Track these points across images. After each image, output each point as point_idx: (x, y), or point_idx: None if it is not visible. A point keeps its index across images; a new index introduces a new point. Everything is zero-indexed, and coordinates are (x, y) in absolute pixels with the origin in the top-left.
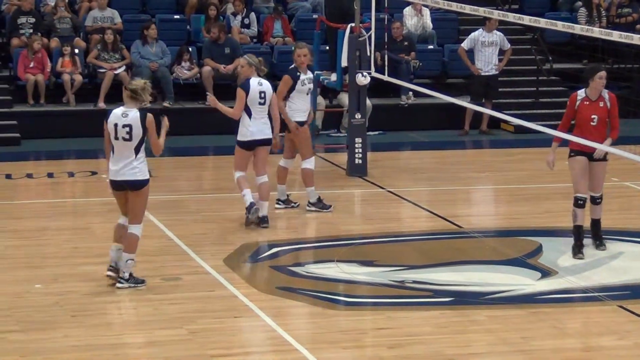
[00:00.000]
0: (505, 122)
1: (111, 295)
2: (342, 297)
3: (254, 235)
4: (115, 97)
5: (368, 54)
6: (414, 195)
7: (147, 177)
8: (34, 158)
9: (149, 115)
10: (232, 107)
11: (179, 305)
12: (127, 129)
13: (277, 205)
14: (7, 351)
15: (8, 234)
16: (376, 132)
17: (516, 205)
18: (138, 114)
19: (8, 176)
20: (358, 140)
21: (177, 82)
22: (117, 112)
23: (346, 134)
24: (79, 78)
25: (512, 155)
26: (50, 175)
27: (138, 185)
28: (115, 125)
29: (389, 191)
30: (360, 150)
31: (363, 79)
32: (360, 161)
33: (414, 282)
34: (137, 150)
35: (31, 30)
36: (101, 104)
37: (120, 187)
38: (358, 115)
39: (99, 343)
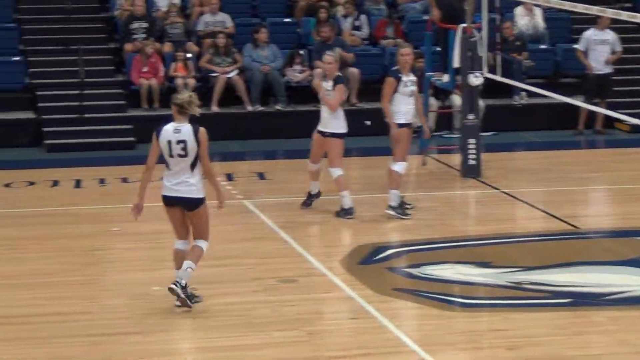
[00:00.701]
0: (620, 121)
1: (229, 297)
2: (459, 298)
3: (370, 237)
4: (227, 100)
5: (480, 54)
6: (529, 196)
7: (203, 195)
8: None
9: (202, 129)
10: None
11: (296, 307)
12: (182, 144)
13: (388, 212)
14: (126, 353)
15: (126, 237)
16: (489, 133)
17: (632, 205)
18: (191, 128)
19: (124, 180)
20: (472, 141)
21: (289, 85)
22: (169, 128)
23: (459, 135)
24: (191, 82)
25: (628, 155)
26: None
27: (193, 204)
28: (169, 142)
29: (503, 192)
30: (474, 151)
31: (475, 80)
32: (474, 162)
33: (531, 283)
34: (193, 166)
35: (144, 36)
36: (214, 108)
37: (173, 203)
38: (471, 116)
39: (217, 345)
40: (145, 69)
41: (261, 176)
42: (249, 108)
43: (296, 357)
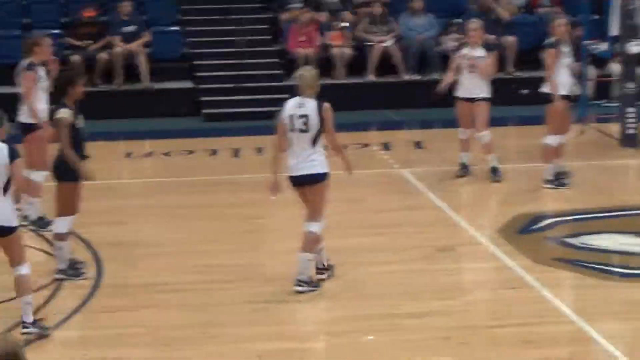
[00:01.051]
0: None
1: (387, 266)
2: (618, 268)
3: (528, 206)
4: (383, 69)
5: (639, 22)
6: None
7: (326, 170)
8: None
9: (326, 105)
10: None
11: (454, 276)
12: (304, 119)
13: (545, 186)
14: (285, 320)
15: (283, 205)
16: None
17: None
18: (315, 103)
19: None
20: (630, 110)
21: (445, 54)
22: (293, 102)
23: (617, 104)
24: (348, 51)
25: None
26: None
27: (316, 180)
28: (291, 116)
29: None
30: (633, 120)
31: (634, 48)
32: (632, 131)
33: None
34: (314, 142)
35: (300, 5)
36: (370, 77)
37: (300, 183)
38: (630, 85)
39: (375, 313)
40: (301, 38)
41: (418, 145)
42: (405, 77)
43: (454, 326)
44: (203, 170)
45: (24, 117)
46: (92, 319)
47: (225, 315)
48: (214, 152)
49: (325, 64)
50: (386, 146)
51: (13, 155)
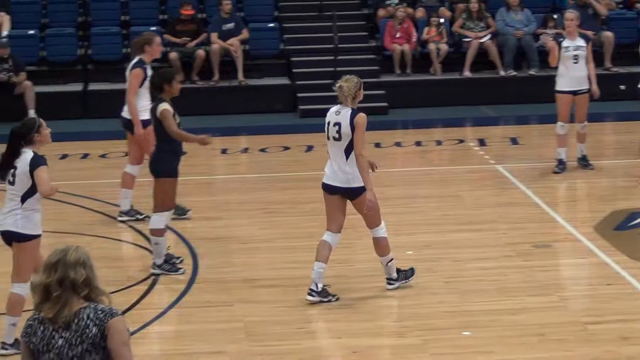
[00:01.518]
0: None
1: (483, 262)
2: None
3: (625, 203)
4: (480, 65)
5: None
6: None
7: (361, 184)
8: (402, 127)
9: (360, 115)
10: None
11: (550, 272)
12: (337, 127)
13: None
14: (381, 316)
15: (379, 201)
16: None
17: None
18: (350, 111)
19: (377, 144)
20: None
21: (542, 49)
22: (333, 109)
23: None
24: (444, 47)
25: None
26: (418, 143)
27: (352, 194)
28: (328, 123)
29: None
30: None
31: None
32: None
33: None
34: (347, 153)
35: (397, 1)
36: (467, 73)
37: (332, 191)
38: None
39: (473, 309)
40: (398, 35)
41: (514, 141)
42: (502, 73)
43: (551, 322)
44: (298, 166)
45: (126, 113)
46: (187, 313)
47: (320, 311)
48: (309, 148)
49: (421, 60)
50: (482, 142)
51: (34, 164)
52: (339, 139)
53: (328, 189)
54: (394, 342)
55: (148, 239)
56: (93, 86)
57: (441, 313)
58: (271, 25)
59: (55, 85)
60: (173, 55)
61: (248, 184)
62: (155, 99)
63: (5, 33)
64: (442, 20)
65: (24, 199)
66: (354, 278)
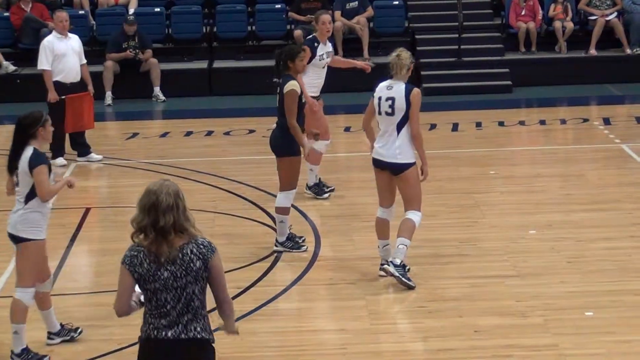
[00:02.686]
0: None
1: (607, 242)
2: None
3: None
4: (606, 43)
5: None
6: None
7: (410, 160)
8: (526, 105)
9: (416, 90)
10: None
11: None
12: (390, 102)
13: None
14: (503, 295)
15: (502, 180)
16: None
17: None
18: (404, 86)
19: (501, 123)
20: None
21: None
22: (383, 84)
23: None
24: (570, 25)
25: None
26: (542, 122)
27: (399, 169)
28: (380, 98)
29: None
30: None
31: None
32: None
33: None
34: (399, 128)
35: None
36: (592, 51)
37: (381, 166)
38: None
39: (595, 289)
40: (523, 12)
41: (639, 120)
42: (628, 51)
43: None
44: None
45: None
46: (309, 291)
47: (443, 289)
48: (432, 127)
49: (546, 38)
50: (606, 121)
51: (34, 162)
52: (391, 113)
53: (378, 164)
54: (517, 322)
55: (272, 218)
56: (218, 64)
57: (564, 293)
58: (396, 2)
59: (181, 63)
60: (297, 33)
61: (371, 162)
62: (282, 75)
63: (132, 10)
64: None
65: (27, 199)
66: (478, 257)
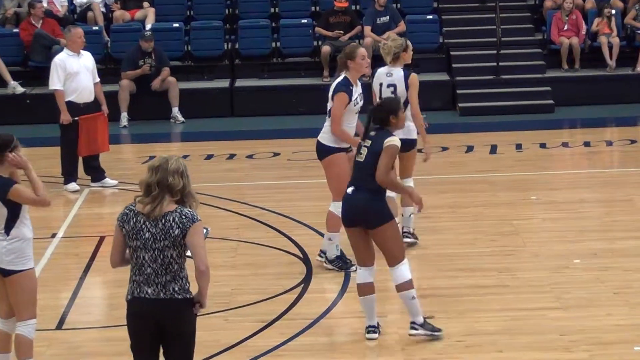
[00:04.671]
0: None
1: None
2: None
3: None
4: None
5: None
6: None
7: (414, 137)
8: (569, 126)
9: (413, 75)
10: None
11: None
12: (392, 88)
13: None
14: (546, 329)
15: (544, 206)
16: None
17: None
18: (402, 73)
19: (542, 145)
20: None
21: None
22: (382, 70)
23: None
24: (616, 41)
25: None
26: (586, 144)
27: (408, 146)
28: (380, 84)
29: None
30: None
31: None
32: None
33: None
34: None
35: None
36: (639, 69)
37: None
38: None
39: (636, 323)
40: (566, 27)
41: None
42: None
43: None
44: (458, 168)
45: (325, 138)
46: (338, 324)
47: (481, 323)
48: (469, 149)
49: (590, 55)
50: None
51: (3, 189)
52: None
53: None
54: (560, 357)
55: (298, 245)
56: (240, 82)
57: (610, 326)
58: (430, 17)
59: (200, 82)
60: (325, 49)
61: None
62: (375, 129)
63: (149, 26)
64: (613, 11)
65: (7, 229)
66: (518, 288)
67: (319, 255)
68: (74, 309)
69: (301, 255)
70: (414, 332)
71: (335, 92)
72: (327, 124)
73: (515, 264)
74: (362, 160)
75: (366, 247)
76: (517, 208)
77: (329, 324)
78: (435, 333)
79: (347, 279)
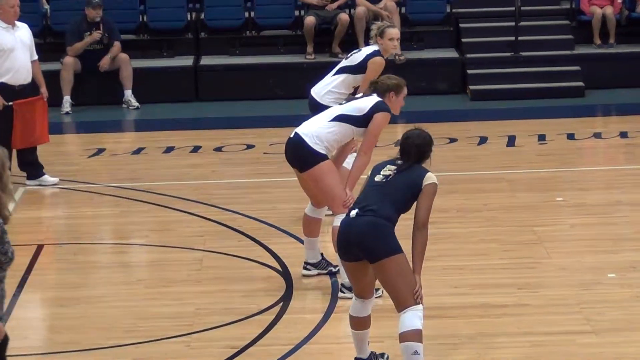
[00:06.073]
0: None
1: None
2: None
3: None
4: None
5: None
6: None
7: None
8: (603, 113)
9: (378, 58)
10: None
11: None
12: (356, 52)
13: None
14: (575, 357)
15: (572, 209)
16: None
17: None
18: (371, 50)
19: (570, 136)
20: None
21: None
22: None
23: None
24: None
25: None
26: (623, 134)
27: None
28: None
29: None
30: None
31: None
32: None
33: None
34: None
35: None
36: None
37: None
38: None
39: None
40: None
41: None
42: None
43: None
44: (469, 164)
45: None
46: (323, 351)
47: (497, 350)
48: (482, 140)
49: (628, 28)
50: None
51: None
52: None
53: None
54: None
55: (275, 256)
56: (206, 60)
57: None
58: None
59: (159, 59)
60: (309, 19)
61: None
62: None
63: None
64: None
65: None
66: (541, 308)
67: (305, 267)
68: (7, 332)
69: (280, 268)
70: None
71: (381, 109)
72: (325, 126)
73: (538, 279)
74: (382, 181)
75: (365, 278)
76: (540, 212)
77: (311, 350)
78: None
79: (334, 297)
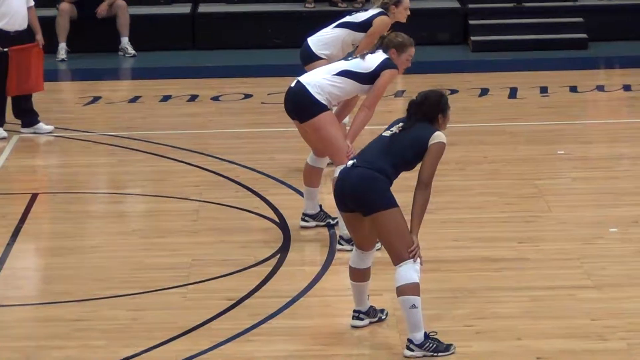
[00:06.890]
0: None
1: None
2: None
3: None
4: None
5: None
6: None
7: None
8: (606, 65)
9: (386, 17)
10: None
11: None
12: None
13: None
14: (575, 312)
15: (574, 162)
16: None
17: None
18: (377, 10)
19: (572, 89)
20: None
21: None
22: None
23: None
24: None
25: None
26: (626, 87)
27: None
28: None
29: None
30: None
31: None
32: None
33: None
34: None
35: None
36: None
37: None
38: None
39: None
40: None
41: None
42: None
43: None
44: (470, 115)
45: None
46: (321, 304)
47: (496, 305)
48: (484, 92)
49: None
50: None
51: None
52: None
53: None
54: (592, 347)
55: (272, 206)
56: (204, 7)
57: None
58: None
59: (156, 6)
60: None
61: None
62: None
63: None
64: None
65: None
66: (541, 262)
67: (303, 219)
68: (0, 282)
69: (277, 220)
70: (409, 353)
71: (388, 66)
72: (330, 79)
73: (538, 233)
74: (388, 136)
75: (362, 229)
76: (541, 165)
77: (309, 303)
78: (440, 354)
79: (332, 248)
